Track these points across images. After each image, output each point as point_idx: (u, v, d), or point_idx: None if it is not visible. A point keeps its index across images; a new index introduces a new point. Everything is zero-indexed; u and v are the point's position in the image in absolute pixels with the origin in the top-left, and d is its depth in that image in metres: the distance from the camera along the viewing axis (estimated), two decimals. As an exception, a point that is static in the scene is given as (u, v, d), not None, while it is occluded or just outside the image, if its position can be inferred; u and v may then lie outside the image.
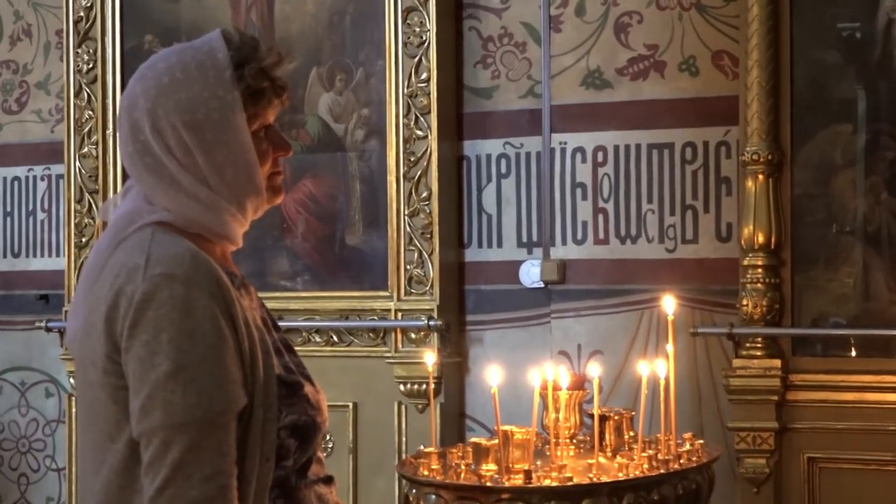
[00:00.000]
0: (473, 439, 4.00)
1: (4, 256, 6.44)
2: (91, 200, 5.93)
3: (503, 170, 5.49)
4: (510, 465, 3.69)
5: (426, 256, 5.36)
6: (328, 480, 2.64)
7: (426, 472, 3.83)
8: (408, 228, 5.38)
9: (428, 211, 5.36)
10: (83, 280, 2.59)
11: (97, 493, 2.45)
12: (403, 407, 5.40)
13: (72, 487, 6.01)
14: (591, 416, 4.04)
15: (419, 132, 5.37)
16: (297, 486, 2.53)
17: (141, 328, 2.33)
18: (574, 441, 4.13)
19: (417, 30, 5.38)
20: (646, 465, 3.83)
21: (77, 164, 5.96)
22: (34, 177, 6.39)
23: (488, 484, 3.66)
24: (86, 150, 5.95)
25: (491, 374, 3.80)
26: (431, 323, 5.31)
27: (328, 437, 5.35)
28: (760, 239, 4.76)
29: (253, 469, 2.39)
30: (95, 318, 2.42)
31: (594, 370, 4.06)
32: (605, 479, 3.71)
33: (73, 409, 6.01)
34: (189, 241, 2.45)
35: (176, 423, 2.29)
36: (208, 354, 2.32)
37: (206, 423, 2.30)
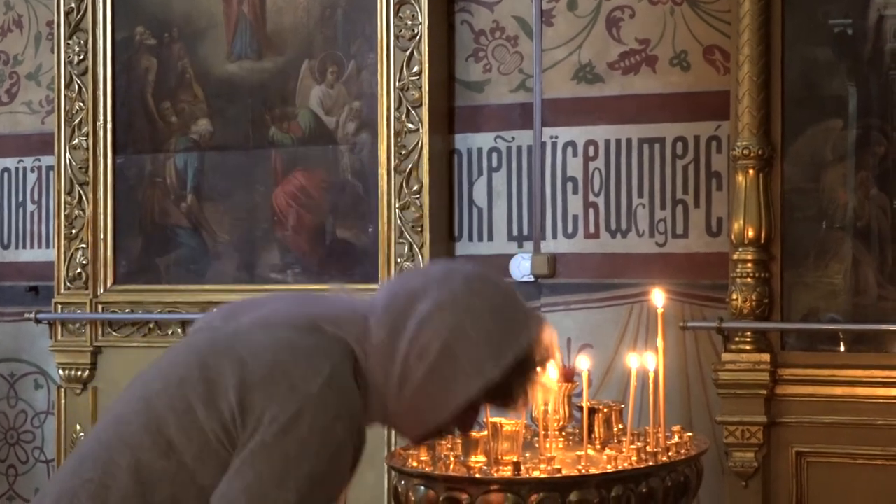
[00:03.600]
0: (462, 431, 4.02)
1: (-6, 248, 6.46)
2: (81, 192, 5.94)
3: (494, 163, 5.50)
4: (499, 457, 3.72)
5: (417, 250, 5.38)
6: None
7: (415, 464, 3.85)
8: (398, 221, 5.40)
9: (419, 204, 5.37)
10: (234, 314, 2.67)
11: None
12: (392, 400, 5.42)
13: (61, 479, 6.02)
14: (581, 408, 4.07)
15: (410, 125, 5.39)
16: None
17: (294, 424, 2.43)
18: (563, 433, 4.15)
19: (409, 23, 5.40)
20: (634, 458, 3.86)
21: (67, 155, 5.97)
22: (24, 168, 6.39)
23: (477, 475, 3.69)
24: (76, 141, 5.97)
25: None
26: (422, 316, 5.31)
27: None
28: (750, 234, 4.78)
29: None
30: (226, 368, 2.50)
31: (583, 363, 4.09)
32: (593, 471, 3.73)
33: (63, 401, 6.04)
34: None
35: None
36: (338, 471, 2.50)
37: None
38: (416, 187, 5.37)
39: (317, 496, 2.41)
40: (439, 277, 2.58)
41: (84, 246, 5.95)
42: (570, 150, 5.37)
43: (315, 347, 2.46)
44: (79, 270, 5.96)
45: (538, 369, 2.59)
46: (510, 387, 2.55)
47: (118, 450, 2.46)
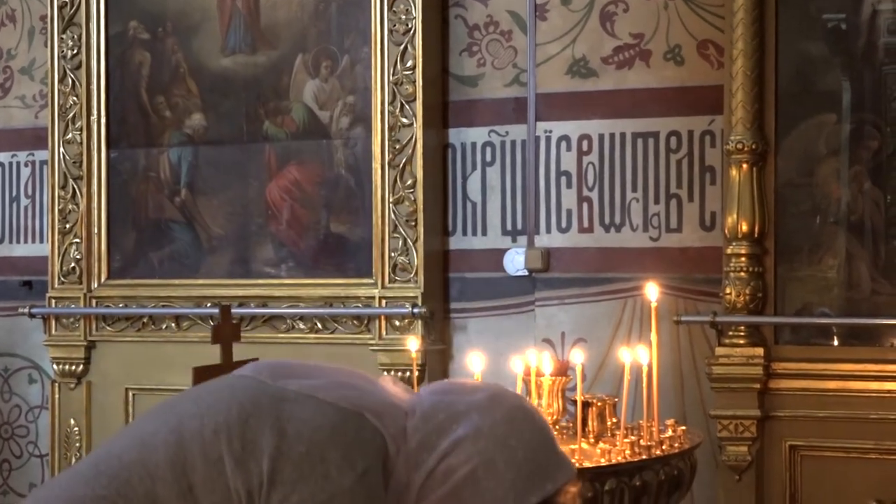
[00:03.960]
0: (457, 425, 4.02)
1: (-12, 242, 6.46)
2: (75, 186, 5.94)
3: (488, 158, 5.51)
4: (493, 451, 3.71)
5: (411, 244, 5.38)
6: None
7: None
8: (392, 216, 5.40)
9: (413, 198, 5.38)
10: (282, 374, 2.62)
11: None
12: (387, 394, 5.42)
13: (54, 473, 6.02)
14: (574, 402, 4.07)
15: (404, 120, 5.39)
16: None
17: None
18: (557, 427, 4.15)
19: (403, 17, 5.40)
20: (628, 451, 3.87)
21: (61, 149, 5.97)
22: (18, 163, 6.40)
23: (471, 469, 3.69)
24: (70, 136, 5.96)
25: (473, 360, 3.83)
26: (415, 310, 5.33)
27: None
28: (744, 228, 4.78)
29: None
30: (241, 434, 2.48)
31: (577, 357, 4.09)
32: (587, 464, 3.74)
33: (57, 396, 6.03)
34: None
35: None
36: None
37: None
38: (409, 182, 5.38)
39: None
40: (484, 404, 2.56)
41: (78, 240, 5.94)
42: (563, 144, 5.38)
43: (356, 440, 2.43)
44: (73, 265, 5.96)
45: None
46: None
47: (138, 475, 2.43)
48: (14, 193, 6.41)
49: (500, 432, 2.49)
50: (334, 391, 2.51)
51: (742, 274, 4.80)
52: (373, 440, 2.44)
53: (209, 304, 5.71)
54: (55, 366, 6.02)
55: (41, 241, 6.26)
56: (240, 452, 2.40)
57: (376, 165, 5.44)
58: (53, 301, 6.02)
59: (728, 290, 4.82)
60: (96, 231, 5.94)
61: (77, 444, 5.97)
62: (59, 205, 5.98)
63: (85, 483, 2.46)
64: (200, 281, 5.82)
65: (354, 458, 2.40)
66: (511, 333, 5.37)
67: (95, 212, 5.94)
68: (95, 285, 5.96)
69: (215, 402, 2.50)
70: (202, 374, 3.93)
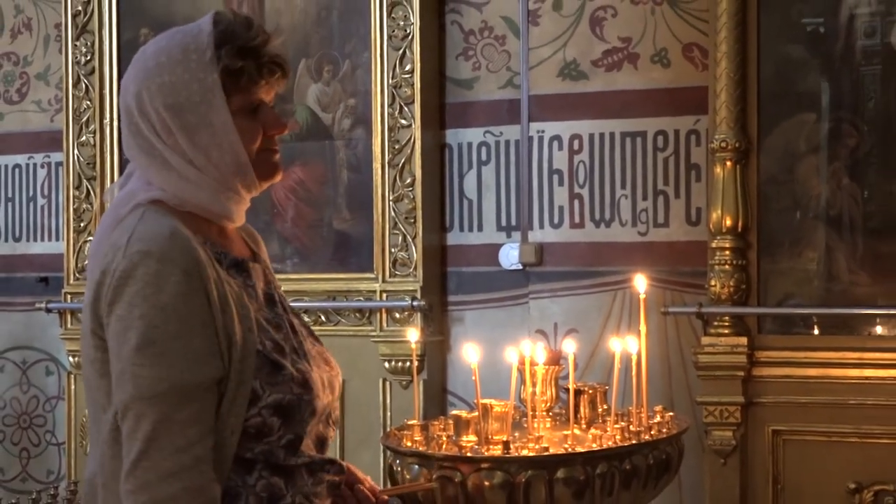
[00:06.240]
0: (454, 412, 4.03)
1: (6, 240, 6.45)
2: (89, 187, 5.94)
3: (483, 157, 5.51)
4: (489, 437, 3.71)
5: (410, 240, 5.38)
6: (329, 463, 2.60)
7: (409, 444, 3.84)
8: (392, 213, 5.40)
9: (412, 196, 5.38)
10: (88, 260, 2.60)
11: (92, 461, 2.47)
12: (388, 383, 5.43)
13: (71, 461, 6.03)
14: (567, 390, 4.06)
15: (403, 121, 5.39)
16: (287, 461, 2.49)
17: (117, 304, 2.34)
18: (550, 414, 4.14)
19: (402, 23, 5.40)
20: (618, 437, 3.85)
21: (76, 151, 5.97)
22: (34, 164, 6.40)
23: (468, 454, 3.68)
24: (84, 138, 5.96)
25: (469, 351, 3.83)
26: (415, 303, 5.34)
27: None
28: (728, 223, 4.79)
29: (220, 439, 2.38)
30: (87, 296, 2.44)
31: (569, 347, 4.08)
32: (579, 449, 3.72)
33: (73, 387, 6.03)
34: (181, 219, 2.45)
35: (146, 397, 2.30)
36: (179, 329, 2.32)
37: (176, 395, 2.30)
38: (408, 180, 5.38)
39: (171, 343, 2.33)
40: (122, 87, 2.57)
41: (92, 238, 5.92)
42: (555, 143, 5.38)
43: (118, 238, 2.43)
44: (87, 262, 5.94)
45: (246, 39, 2.51)
46: (241, 72, 2.49)
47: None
48: (31, 193, 6.41)
49: (136, 66, 2.55)
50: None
51: (726, 266, 4.80)
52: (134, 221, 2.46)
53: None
54: (71, 358, 6.01)
55: (57, 239, 6.26)
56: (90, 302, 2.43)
57: (377, 165, 5.44)
58: (69, 296, 6.01)
59: (713, 282, 4.83)
60: (109, 229, 5.93)
61: (92, 433, 5.97)
62: (73, 204, 5.98)
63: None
64: (210, 276, 5.81)
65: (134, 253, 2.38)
66: (506, 325, 5.37)
67: (109, 211, 5.93)
68: (109, 281, 5.95)
69: None
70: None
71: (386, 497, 2.61)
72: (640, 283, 4.31)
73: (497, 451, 3.66)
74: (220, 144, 2.48)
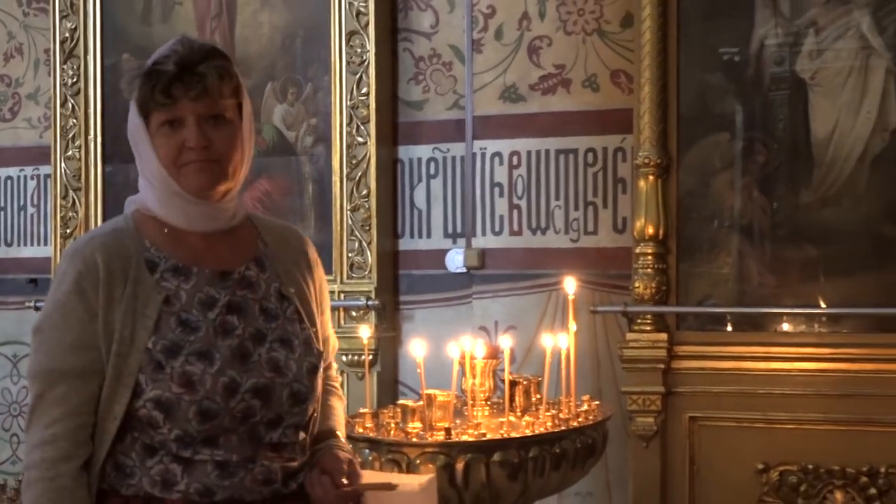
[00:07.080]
0: (401, 401, 4.05)
1: (-1, 245, 6.44)
2: (75, 197, 5.93)
3: (432, 171, 5.53)
4: (433, 424, 3.74)
5: (365, 245, 5.40)
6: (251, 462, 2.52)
7: (361, 430, 3.87)
8: (350, 221, 5.41)
9: (367, 206, 5.39)
10: None
11: None
12: (345, 375, 5.43)
13: (58, 446, 6.00)
14: (504, 381, 4.09)
15: (360, 139, 5.40)
16: (180, 453, 2.47)
17: None
18: (488, 403, 4.16)
19: (359, 50, 5.41)
20: (549, 423, 3.89)
21: (62, 165, 5.95)
22: (25, 176, 6.37)
23: (414, 440, 3.71)
24: (70, 153, 5.94)
25: (415, 346, 3.86)
26: (370, 303, 5.35)
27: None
28: (650, 231, 4.81)
29: (103, 422, 2.47)
30: None
31: (505, 342, 4.11)
32: (514, 434, 3.76)
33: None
34: (144, 223, 2.56)
35: (31, 374, 2.49)
36: (61, 322, 2.46)
37: (49, 377, 2.46)
38: (364, 192, 5.39)
39: (52, 332, 2.49)
40: None
41: (77, 243, 5.92)
42: (497, 159, 5.40)
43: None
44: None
45: (156, 65, 2.50)
46: (151, 93, 2.49)
47: None
48: (22, 203, 6.38)
49: None
50: None
51: (649, 270, 4.83)
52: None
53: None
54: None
55: (45, 244, 6.24)
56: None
57: (336, 178, 5.45)
58: (56, 296, 5.98)
59: (637, 284, 4.85)
60: (93, 235, 5.92)
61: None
62: (60, 213, 5.96)
63: None
64: (184, 278, 5.80)
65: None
66: (452, 322, 5.39)
67: (92, 219, 5.92)
68: (93, 282, 5.94)
69: None
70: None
71: (347, 490, 2.60)
72: (570, 285, 4.35)
73: (440, 436, 3.69)
74: (149, 162, 2.54)
